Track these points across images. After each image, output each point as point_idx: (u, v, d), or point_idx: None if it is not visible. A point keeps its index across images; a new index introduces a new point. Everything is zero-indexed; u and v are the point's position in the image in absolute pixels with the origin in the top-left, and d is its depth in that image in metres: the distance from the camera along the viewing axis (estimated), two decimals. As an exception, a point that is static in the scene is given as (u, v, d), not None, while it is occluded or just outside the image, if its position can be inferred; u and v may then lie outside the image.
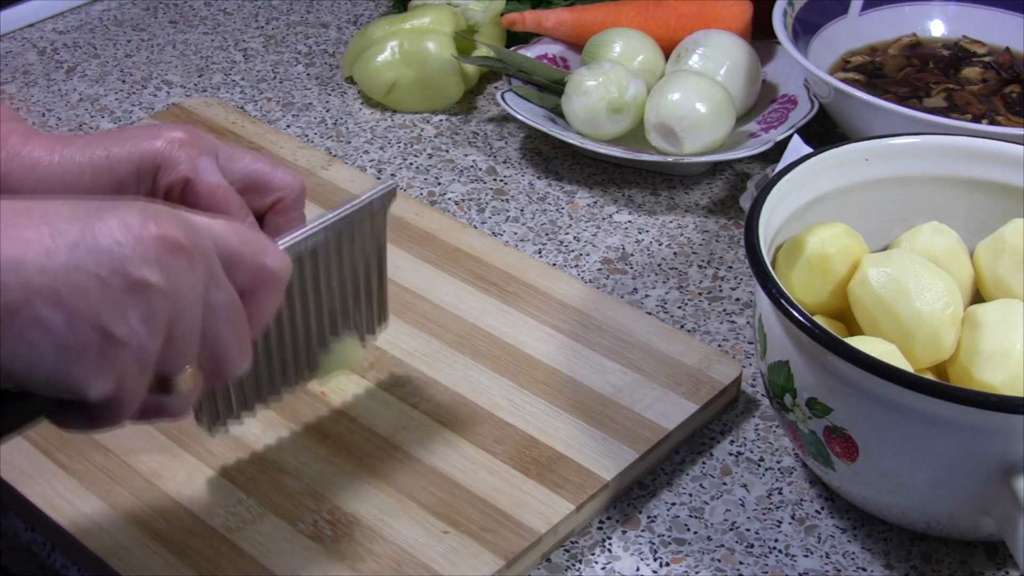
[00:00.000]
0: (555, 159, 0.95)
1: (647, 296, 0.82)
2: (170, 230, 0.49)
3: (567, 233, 0.87)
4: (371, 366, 0.73)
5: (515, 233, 0.87)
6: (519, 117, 0.92)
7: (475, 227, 0.86)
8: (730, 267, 0.84)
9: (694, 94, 0.88)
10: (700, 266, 0.84)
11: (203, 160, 0.61)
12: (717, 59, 0.93)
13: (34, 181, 0.63)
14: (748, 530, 0.66)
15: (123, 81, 1.04)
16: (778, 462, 0.70)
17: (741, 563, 0.65)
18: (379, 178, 0.92)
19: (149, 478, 0.66)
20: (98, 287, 0.47)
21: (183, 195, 0.60)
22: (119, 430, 0.67)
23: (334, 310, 0.65)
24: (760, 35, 0.99)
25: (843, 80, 0.88)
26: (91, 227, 0.48)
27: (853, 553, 0.66)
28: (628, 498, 0.68)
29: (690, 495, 0.68)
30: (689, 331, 0.79)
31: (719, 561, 0.65)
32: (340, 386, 0.71)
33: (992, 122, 0.88)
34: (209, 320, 0.51)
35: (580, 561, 0.65)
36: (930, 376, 0.63)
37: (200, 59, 1.08)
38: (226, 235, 0.53)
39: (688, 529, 0.67)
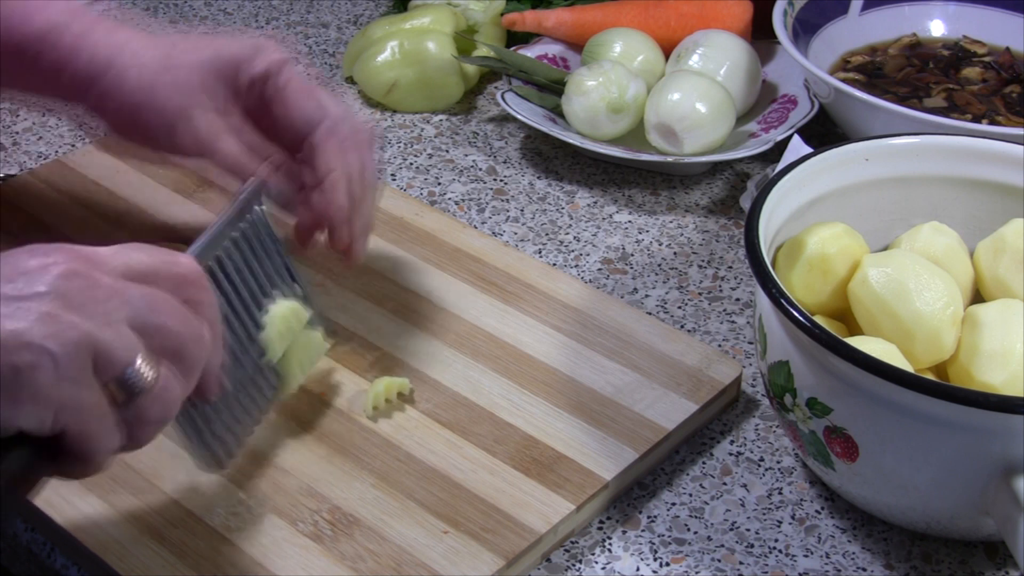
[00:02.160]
0: (555, 159, 0.95)
1: (647, 296, 0.82)
2: (61, 260, 0.51)
3: (567, 233, 0.87)
4: (371, 366, 0.73)
5: (515, 233, 0.87)
6: (519, 117, 0.92)
7: (475, 227, 0.86)
8: (730, 267, 0.84)
9: (694, 94, 0.88)
10: (700, 266, 0.84)
11: (287, 62, 0.71)
12: (717, 59, 0.93)
13: (128, 59, 0.71)
14: (748, 530, 0.66)
15: (123, 81, 1.04)
16: (778, 462, 0.70)
17: (741, 563, 0.65)
18: (379, 178, 0.92)
19: (149, 478, 0.66)
20: None
21: (264, 89, 0.70)
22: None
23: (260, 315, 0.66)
24: (760, 35, 0.99)
25: (843, 80, 0.88)
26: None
27: (853, 553, 0.66)
28: (628, 498, 0.68)
29: (690, 495, 0.68)
30: (689, 331, 0.79)
31: (719, 561, 0.65)
32: (340, 386, 0.71)
33: (992, 122, 0.88)
34: (137, 314, 0.52)
35: (580, 561, 0.65)
36: (930, 376, 0.63)
37: (200, 59, 1.08)
38: (126, 252, 0.54)
39: (688, 529, 0.67)
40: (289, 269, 0.69)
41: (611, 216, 0.89)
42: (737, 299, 0.82)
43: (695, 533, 0.66)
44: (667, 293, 0.82)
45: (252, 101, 0.72)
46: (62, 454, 0.51)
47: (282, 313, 0.67)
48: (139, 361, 0.51)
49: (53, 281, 0.50)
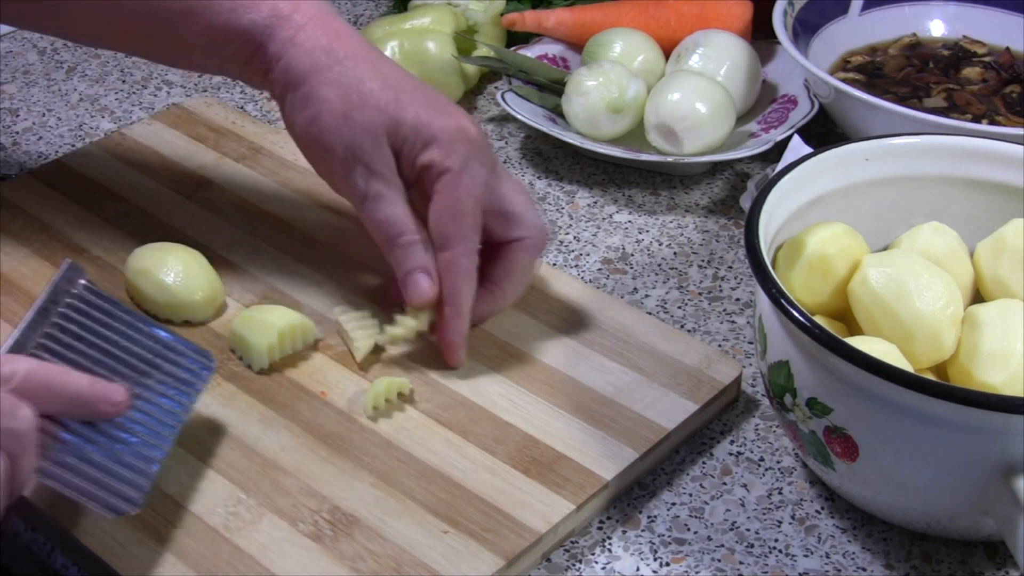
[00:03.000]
0: (555, 159, 0.95)
1: (647, 296, 0.82)
2: None
3: (567, 233, 0.87)
4: (371, 366, 0.73)
5: (515, 233, 0.87)
6: (519, 117, 0.92)
7: (475, 227, 0.86)
8: (730, 267, 0.84)
9: (694, 94, 0.88)
10: (700, 266, 0.84)
11: (469, 164, 0.69)
12: (717, 59, 0.93)
13: (333, 76, 0.71)
14: (748, 530, 0.66)
15: (123, 81, 1.04)
16: (778, 462, 0.70)
17: (741, 563, 0.65)
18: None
19: (149, 478, 0.66)
20: None
21: (428, 182, 0.70)
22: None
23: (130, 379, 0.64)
24: (760, 35, 0.99)
25: (843, 80, 0.88)
26: None
27: (853, 553, 0.66)
28: (628, 498, 0.68)
29: (690, 495, 0.68)
30: (689, 331, 0.79)
31: (719, 561, 0.65)
32: (340, 386, 0.71)
33: (992, 122, 0.88)
34: None
35: (580, 561, 0.65)
36: (930, 376, 0.63)
37: (200, 59, 1.08)
38: None
39: (688, 529, 0.67)
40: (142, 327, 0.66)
41: (611, 216, 0.89)
42: (737, 299, 0.82)
43: (695, 533, 0.66)
44: (667, 293, 0.82)
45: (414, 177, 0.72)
46: None
47: (284, 328, 0.71)
48: None
49: None
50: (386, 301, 0.75)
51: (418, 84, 0.72)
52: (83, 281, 0.64)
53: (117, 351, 0.63)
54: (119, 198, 0.85)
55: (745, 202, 0.86)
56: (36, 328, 0.61)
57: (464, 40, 1.01)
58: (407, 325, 0.72)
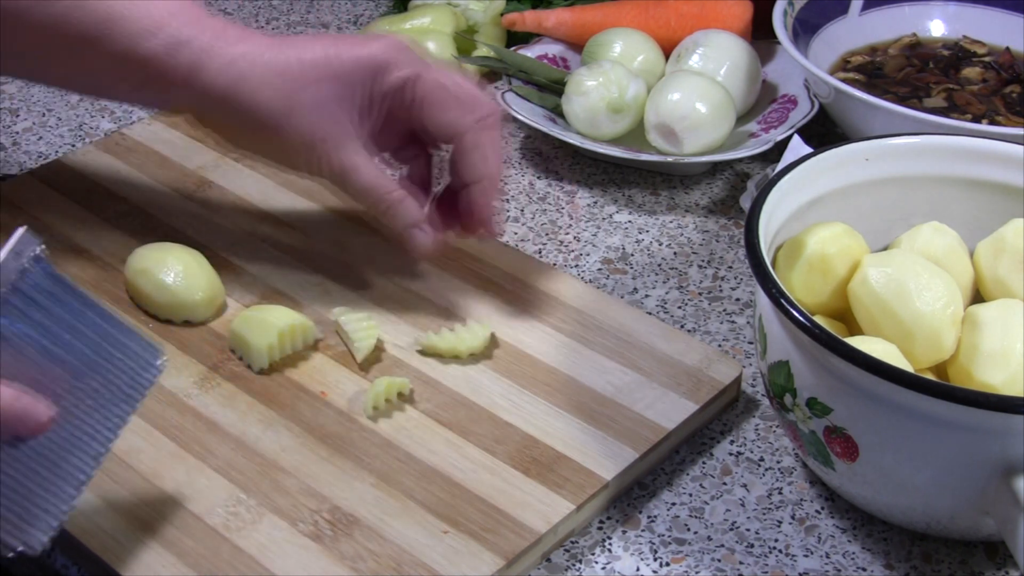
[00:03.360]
0: (555, 159, 0.95)
1: (647, 296, 0.82)
2: None
3: (567, 233, 0.87)
4: (371, 366, 0.73)
5: (515, 233, 0.87)
6: (519, 117, 0.92)
7: (475, 227, 0.86)
8: (730, 267, 0.84)
9: (694, 94, 0.88)
10: (700, 266, 0.84)
11: (423, 61, 0.70)
12: (717, 59, 0.93)
13: (241, 78, 0.69)
14: (748, 530, 0.66)
15: (123, 81, 1.04)
16: (778, 462, 0.70)
17: (741, 563, 0.65)
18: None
19: (149, 478, 0.66)
20: None
21: (409, 93, 0.70)
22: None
23: (72, 385, 0.57)
24: (760, 35, 0.99)
25: (843, 80, 0.88)
26: None
27: (853, 553, 0.66)
28: (628, 498, 0.68)
29: (690, 495, 0.68)
30: (689, 331, 0.79)
31: (719, 561, 0.65)
32: (340, 386, 0.71)
33: (992, 122, 0.88)
34: None
35: (580, 561, 0.65)
36: (930, 376, 0.63)
37: (200, 59, 1.08)
38: None
39: (688, 529, 0.67)
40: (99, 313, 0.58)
41: (611, 216, 0.89)
42: (737, 299, 0.82)
43: (695, 533, 0.66)
44: (667, 293, 0.82)
45: (390, 105, 0.72)
46: None
47: (284, 328, 0.71)
48: None
49: None
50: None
51: (325, 37, 0.72)
52: (35, 252, 0.56)
53: (57, 347, 0.56)
54: (119, 198, 0.85)
55: (745, 202, 0.86)
56: None
57: (464, 40, 1.01)
58: (449, 342, 0.73)
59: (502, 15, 1.02)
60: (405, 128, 0.74)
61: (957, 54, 0.96)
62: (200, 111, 0.73)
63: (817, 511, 0.68)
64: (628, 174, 0.93)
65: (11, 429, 0.54)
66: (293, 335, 0.73)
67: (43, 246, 0.56)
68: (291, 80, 0.69)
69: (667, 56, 0.97)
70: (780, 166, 0.71)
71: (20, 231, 0.56)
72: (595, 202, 0.91)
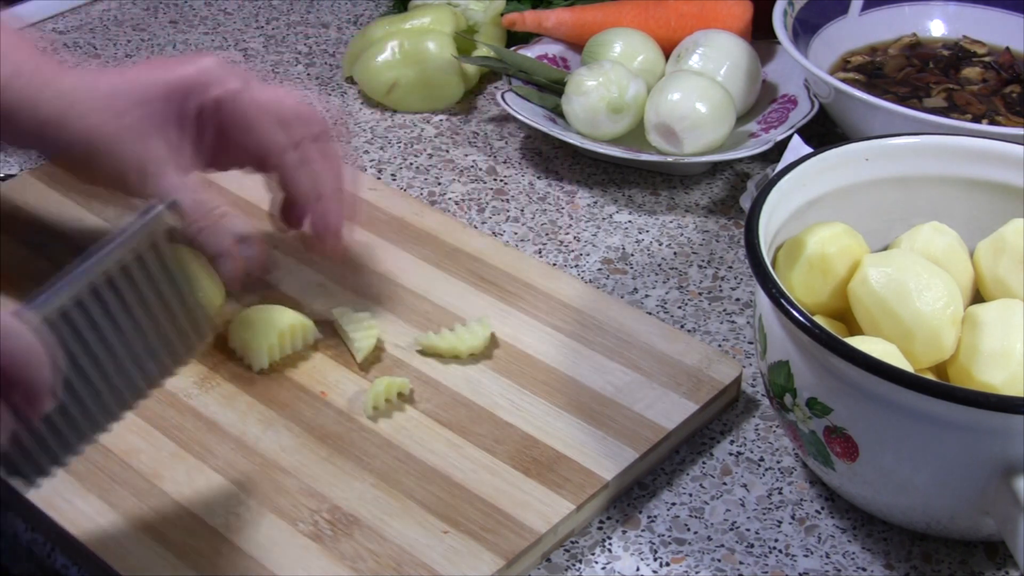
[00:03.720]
0: (555, 159, 0.95)
1: (647, 296, 0.82)
2: None
3: (567, 233, 0.87)
4: (371, 366, 0.73)
5: (515, 233, 0.87)
6: (519, 117, 0.92)
7: (475, 227, 0.86)
8: (730, 267, 0.84)
9: (694, 94, 0.88)
10: (700, 266, 0.84)
11: (234, 81, 0.66)
12: (717, 59, 0.93)
13: (71, 105, 0.67)
14: (748, 530, 0.66)
15: (123, 81, 1.04)
16: (778, 462, 0.70)
17: (741, 563, 0.65)
18: (379, 178, 0.92)
19: (149, 478, 0.66)
20: None
21: (217, 115, 0.66)
22: (115, 429, 0.68)
23: (139, 340, 0.60)
24: (760, 35, 0.99)
25: (843, 80, 0.88)
26: None
27: (853, 553, 0.66)
28: (628, 498, 0.68)
29: (690, 495, 0.68)
30: (689, 331, 0.79)
31: (719, 561, 0.65)
32: (340, 386, 0.71)
33: (992, 122, 0.88)
34: None
35: (580, 561, 0.65)
36: (930, 376, 0.63)
37: (200, 59, 1.08)
38: None
39: (688, 529, 0.67)
40: (187, 307, 0.62)
41: (611, 216, 0.89)
42: (737, 299, 0.82)
43: (695, 533, 0.66)
44: (667, 293, 0.82)
45: (207, 123, 0.70)
46: None
47: (284, 327, 0.71)
48: None
49: None
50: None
51: (153, 61, 0.71)
52: (167, 227, 0.60)
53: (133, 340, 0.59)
54: (119, 198, 0.85)
55: (745, 202, 0.86)
56: (103, 263, 0.57)
57: (464, 40, 1.01)
58: (449, 342, 0.73)
59: (502, 15, 1.02)
60: (241, 147, 0.72)
61: (957, 54, 0.96)
62: (42, 145, 0.71)
63: (817, 511, 0.68)
64: (628, 174, 0.93)
65: (22, 404, 0.53)
66: (293, 335, 0.73)
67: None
68: (117, 104, 0.68)
69: (667, 56, 0.97)
70: (780, 166, 0.71)
71: (166, 203, 0.60)
72: (595, 202, 0.91)
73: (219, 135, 0.70)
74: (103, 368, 0.58)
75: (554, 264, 0.84)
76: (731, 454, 0.71)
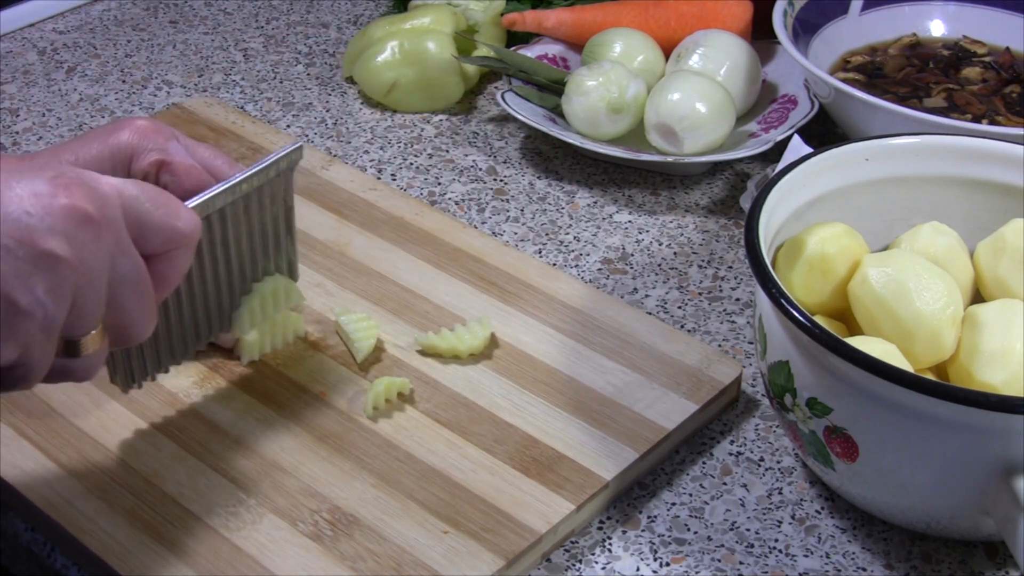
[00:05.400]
0: (555, 159, 0.95)
1: (647, 296, 0.82)
2: (79, 200, 0.50)
3: (567, 233, 0.87)
4: (371, 366, 0.73)
5: (515, 233, 0.87)
6: (519, 117, 0.92)
7: (475, 227, 0.86)
8: (730, 267, 0.84)
9: (694, 94, 0.88)
10: (700, 266, 0.84)
11: (172, 143, 0.63)
12: (717, 59, 0.93)
13: None
14: (748, 530, 0.66)
15: (123, 81, 1.04)
16: (778, 462, 0.70)
17: (741, 563, 0.65)
18: (379, 178, 0.92)
19: (149, 478, 0.66)
20: (4, 256, 0.48)
21: (158, 178, 0.63)
22: (115, 429, 0.68)
23: (243, 268, 0.68)
24: (760, 35, 0.99)
25: (843, 80, 0.88)
26: (1, 196, 0.49)
27: (853, 553, 0.66)
28: (628, 498, 0.68)
29: (690, 495, 0.68)
30: (689, 331, 0.79)
31: (719, 561, 0.65)
32: (339, 386, 0.71)
33: (992, 122, 0.88)
34: (115, 289, 0.53)
35: (580, 561, 0.65)
36: (930, 376, 0.63)
37: (200, 59, 1.08)
38: (137, 198, 0.54)
39: (688, 529, 0.67)
40: (290, 237, 0.71)
41: (611, 216, 0.89)
42: (737, 299, 0.82)
43: (695, 533, 0.66)
44: (667, 293, 0.82)
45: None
46: None
47: (266, 291, 0.70)
48: (92, 332, 0.53)
49: (64, 221, 0.50)
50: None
51: (79, 139, 0.64)
52: (289, 172, 0.68)
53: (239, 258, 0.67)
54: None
55: (745, 202, 0.86)
56: (230, 192, 0.64)
57: (464, 40, 1.01)
58: (449, 342, 0.73)
59: (502, 15, 1.02)
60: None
61: (957, 54, 0.96)
62: None
63: (817, 511, 0.68)
64: (628, 174, 0.93)
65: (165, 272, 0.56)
66: (274, 329, 0.72)
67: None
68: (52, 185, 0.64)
69: (667, 56, 0.97)
70: (780, 166, 0.71)
71: (296, 144, 0.68)
72: (595, 202, 0.91)
73: None
74: (206, 286, 0.66)
75: (554, 264, 0.84)
76: (731, 454, 0.71)
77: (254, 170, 0.65)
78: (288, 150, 0.67)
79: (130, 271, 0.53)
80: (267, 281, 0.71)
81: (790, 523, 0.67)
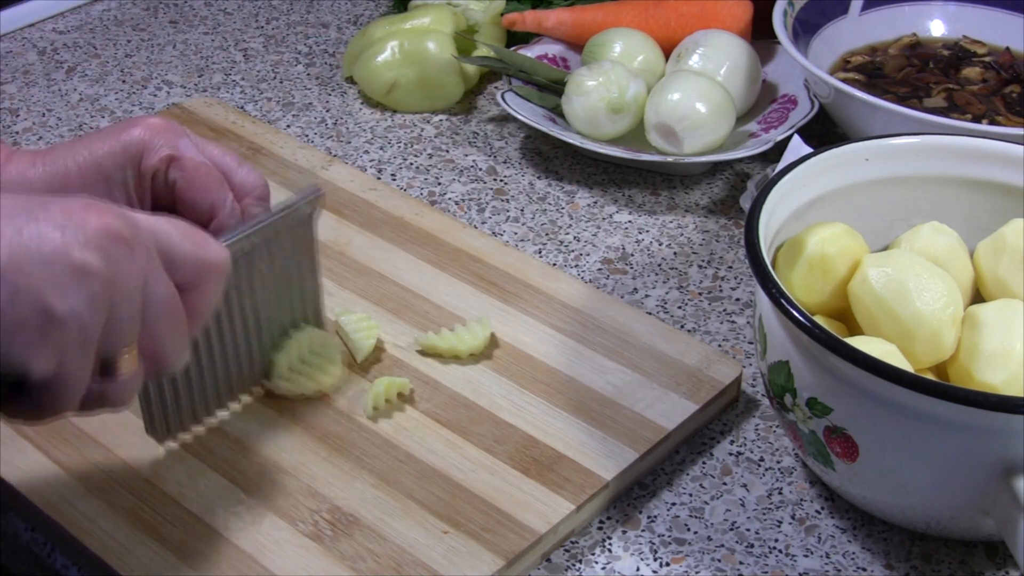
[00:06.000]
0: (555, 159, 0.95)
1: (647, 296, 0.82)
2: (111, 220, 0.51)
3: (567, 233, 0.87)
4: (371, 366, 0.73)
5: (515, 233, 0.87)
6: (519, 117, 0.92)
7: (475, 227, 0.86)
8: (730, 267, 0.84)
9: (694, 94, 0.88)
10: (700, 266, 0.84)
11: (183, 140, 0.64)
12: (717, 59, 0.93)
13: (25, 192, 0.64)
14: (748, 530, 0.66)
15: (123, 81, 1.04)
16: (778, 462, 0.70)
17: (741, 563, 0.65)
18: (379, 178, 0.92)
19: (149, 478, 0.66)
20: (40, 266, 0.49)
21: (168, 174, 0.64)
22: (115, 429, 0.68)
23: (270, 315, 0.68)
24: (760, 35, 0.99)
25: (843, 80, 0.88)
26: (36, 214, 0.50)
27: (853, 553, 0.66)
28: (628, 498, 0.68)
29: (690, 495, 0.68)
30: (689, 331, 0.79)
31: (719, 561, 0.65)
32: (340, 386, 0.71)
33: (992, 122, 0.88)
34: (148, 311, 0.53)
35: (580, 561, 0.65)
36: (930, 376, 0.63)
37: (200, 59, 1.08)
38: (167, 231, 0.55)
39: (688, 529, 0.67)
40: (315, 289, 0.71)
41: (611, 216, 0.89)
42: (737, 299, 0.82)
43: (695, 533, 0.66)
44: (667, 293, 0.82)
45: (160, 184, 0.66)
46: (17, 396, 0.52)
47: (303, 341, 0.71)
48: (127, 352, 0.53)
49: (97, 238, 0.50)
50: None
51: (90, 136, 0.65)
52: (313, 217, 0.68)
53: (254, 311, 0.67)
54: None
55: (745, 202, 0.86)
56: (258, 235, 0.65)
57: (464, 40, 1.01)
58: (449, 342, 0.73)
59: (502, 15, 1.02)
60: (190, 205, 0.67)
61: (957, 54, 0.96)
62: None
63: (817, 511, 0.68)
64: (628, 174, 0.93)
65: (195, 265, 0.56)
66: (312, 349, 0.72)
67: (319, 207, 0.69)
68: (66, 187, 0.64)
69: (667, 56, 0.97)
70: (780, 166, 0.71)
71: (314, 189, 0.68)
72: (595, 202, 0.91)
73: (169, 195, 0.66)
74: (235, 332, 0.67)
75: (554, 264, 0.84)
76: (731, 454, 0.71)
77: (275, 215, 0.66)
78: (308, 197, 0.67)
79: (163, 294, 0.54)
80: (303, 332, 0.71)
81: (790, 523, 0.67)
